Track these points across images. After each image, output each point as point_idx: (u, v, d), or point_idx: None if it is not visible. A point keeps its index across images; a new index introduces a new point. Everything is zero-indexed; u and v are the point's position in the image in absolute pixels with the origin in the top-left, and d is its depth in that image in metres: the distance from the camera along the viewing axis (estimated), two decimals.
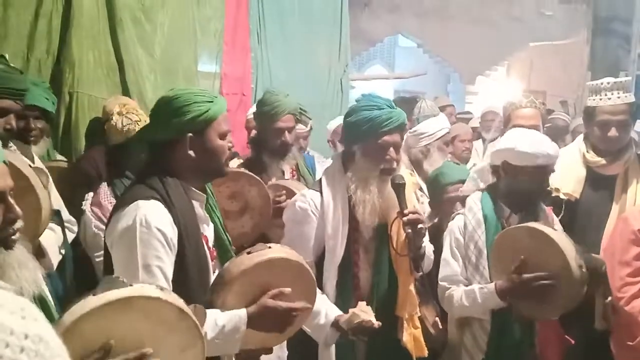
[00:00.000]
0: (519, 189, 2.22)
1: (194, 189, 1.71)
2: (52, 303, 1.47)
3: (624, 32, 5.58)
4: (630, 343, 2.19)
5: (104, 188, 2.58)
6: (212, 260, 1.74)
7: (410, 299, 2.09)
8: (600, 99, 2.59)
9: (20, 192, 1.69)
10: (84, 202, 2.54)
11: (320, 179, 2.16)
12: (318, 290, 1.97)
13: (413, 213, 2.00)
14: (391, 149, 2.04)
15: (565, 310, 2.15)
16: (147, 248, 1.55)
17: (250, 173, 2.57)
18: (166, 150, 1.68)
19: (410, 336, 2.06)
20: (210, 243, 1.77)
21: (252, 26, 4.44)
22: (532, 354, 2.27)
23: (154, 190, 1.63)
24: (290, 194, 2.57)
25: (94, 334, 1.15)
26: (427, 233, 2.14)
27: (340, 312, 1.97)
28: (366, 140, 2.03)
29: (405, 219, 1.98)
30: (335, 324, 1.94)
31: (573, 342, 2.42)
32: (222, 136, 1.71)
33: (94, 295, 1.18)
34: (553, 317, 2.24)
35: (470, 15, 7.91)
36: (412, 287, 2.09)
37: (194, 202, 1.71)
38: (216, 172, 1.76)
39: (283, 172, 2.87)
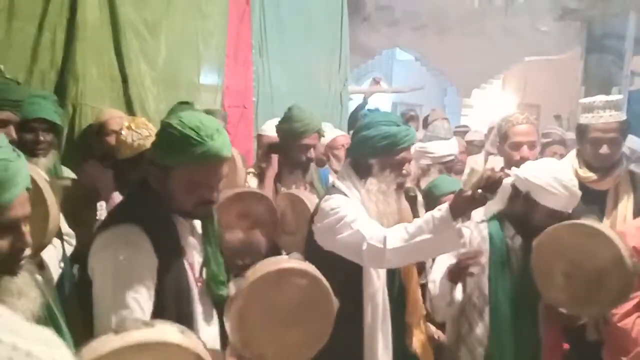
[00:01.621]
0: (532, 223, 2.24)
1: (180, 216, 1.68)
2: (63, 323, 1.45)
3: (617, 49, 5.67)
4: (624, 358, 2.23)
5: (118, 197, 2.61)
6: (197, 284, 1.69)
7: (419, 305, 2.18)
8: (593, 117, 2.65)
9: (31, 201, 1.72)
10: (98, 213, 2.57)
11: (335, 184, 2.16)
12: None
13: None
14: (407, 164, 2.14)
15: (615, 306, 2.13)
16: (122, 278, 1.53)
17: (255, 189, 2.60)
18: (157, 176, 1.65)
19: (419, 342, 2.14)
20: (197, 269, 1.72)
21: (253, 40, 4.49)
22: None
23: (138, 212, 1.60)
24: (302, 203, 2.61)
25: None
26: None
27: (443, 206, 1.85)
28: (384, 154, 2.09)
29: None
30: (455, 203, 1.81)
31: (567, 346, 2.44)
32: (200, 184, 1.61)
33: (115, 333, 1.18)
34: (604, 313, 2.22)
35: (467, 29, 8.00)
36: (419, 295, 2.18)
37: (180, 227, 1.68)
38: (182, 213, 1.67)
39: (294, 185, 2.94)
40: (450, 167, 3.38)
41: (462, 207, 1.82)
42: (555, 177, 2.25)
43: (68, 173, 2.77)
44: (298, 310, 1.64)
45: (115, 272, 1.54)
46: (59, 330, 1.34)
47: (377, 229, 1.95)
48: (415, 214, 2.13)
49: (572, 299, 2.11)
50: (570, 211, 2.32)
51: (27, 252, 1.24)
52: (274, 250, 2.69)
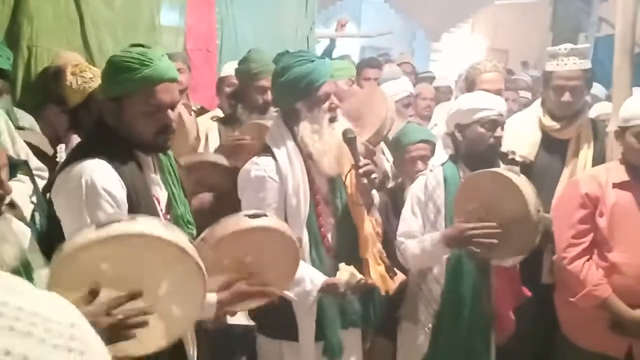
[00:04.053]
0: (474, 144, 2.36)
1: (141, 151, 1.68)
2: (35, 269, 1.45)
3: None
4: (572, 299, 2.35)
5: (76, 139, 2.56)
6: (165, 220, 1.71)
7: (371, 239, 2.19)
8: (557, 64, 2.68)
9: None
10: (58, 155, 2.52)
11: (266, 144, 2.13)
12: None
13: (367, 164, 2.09)
14: (332, 96, 2.10)
15: (520, 254, 2.27)
16: (96, 212, 1.53)
17: (207, 158, 2.44)
18: (111, 109, 1.66)
19: (377, 274, 2.16)
20: (163, 205, 1.74)
21: None
22: (488, 304, 2.39)
23: (100, 148, 1.60)
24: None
25: (90, 266, 1.18)
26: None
27: (324, 277, 2.02)
28: (307, 94, 2.04)
29: (361, 170, 2.07)
30: (327, 288, 2.00)
31: (530, 294, 2.53)
32: (154, 106, 1.62)
33: (96, 227, 1.19)
34: (507, 260, 2.33)
35: None
36: (370, 228, 2.20)
37: (142, 163, 1.69)
38: (141, 145, 1.67)
39: None
40: (406, 104, 3.43)
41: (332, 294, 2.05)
42: (463, 97, 2.48)
43: (23, 116, 2.68)
44: (265, 261, 1.66)
45: (87, 197, 1.53)
46: (29, 277, 1.36)
47: None
48: (356, 156, 2.09)
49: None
50: (496, 112, 2.35)
51: (8, 199, 1.27)
52: None
